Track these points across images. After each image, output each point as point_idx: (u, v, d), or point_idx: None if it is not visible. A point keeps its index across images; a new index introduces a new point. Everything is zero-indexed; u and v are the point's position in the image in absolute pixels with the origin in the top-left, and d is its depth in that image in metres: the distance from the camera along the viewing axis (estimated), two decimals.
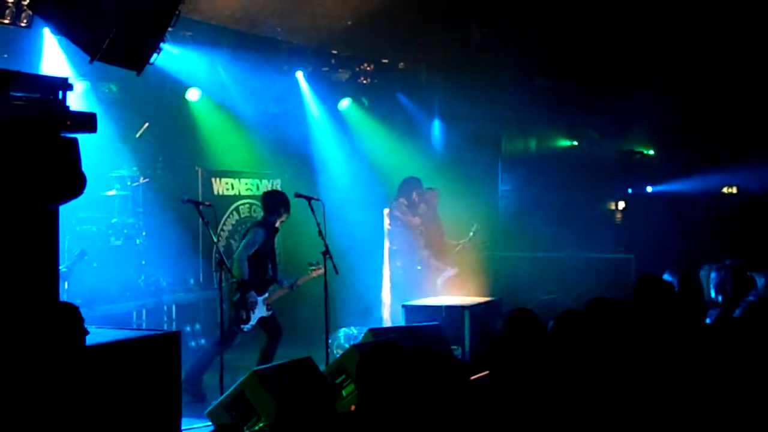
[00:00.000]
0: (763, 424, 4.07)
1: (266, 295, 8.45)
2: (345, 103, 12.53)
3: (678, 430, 4.03)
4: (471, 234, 10.84)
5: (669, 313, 5.18)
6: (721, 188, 14.24)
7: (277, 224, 8.55)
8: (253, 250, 8.30)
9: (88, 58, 5.73)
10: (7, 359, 4.36)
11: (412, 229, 10.32)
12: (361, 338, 8.37)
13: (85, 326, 4.86)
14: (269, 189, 11.26)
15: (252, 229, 8.49)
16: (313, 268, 8.52)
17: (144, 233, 9.92)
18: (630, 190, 13.44)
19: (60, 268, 5.98)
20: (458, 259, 10.75)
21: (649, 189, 13.59)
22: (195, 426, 6.84)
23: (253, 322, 8.32)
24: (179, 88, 10.54)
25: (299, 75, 11.78)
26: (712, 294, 6.26)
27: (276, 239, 8.86)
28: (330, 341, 8.43)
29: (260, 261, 8.38)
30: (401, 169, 11.79)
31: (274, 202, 8.59)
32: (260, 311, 8.37)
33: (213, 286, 10.15)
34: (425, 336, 8.01)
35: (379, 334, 7.99)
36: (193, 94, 10.67)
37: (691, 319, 5.30)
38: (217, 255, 8.19)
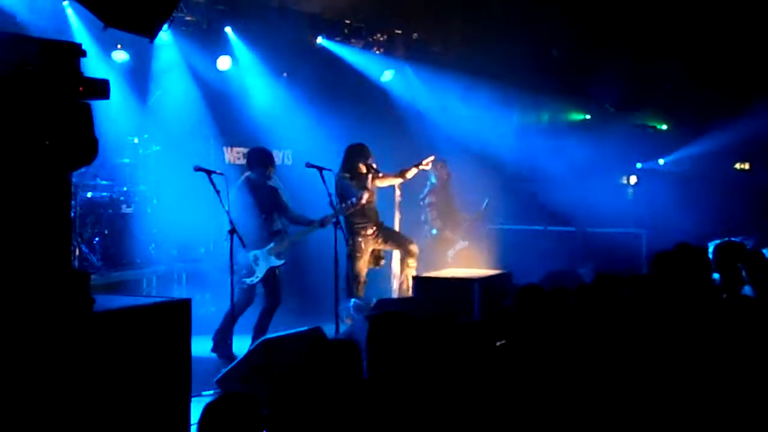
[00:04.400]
0: None
1: (271, 245, 8.49)
2: (388, 75, 12.32)
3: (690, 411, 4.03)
4: (483, 208, 10.83)
5: (685, 289, 5.15)
6: (734, 164, 14.17)
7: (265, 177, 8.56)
8: (242, 209, 8.33)
9: (102, 25, 5.70)
10: (15, 326, 4.39)
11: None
12: (369, 309, 8.41)
13: (93, 294, 4.89)
14: (280, 159, 11.31)
15: (238, 186, 8.51)
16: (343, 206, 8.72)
17: (155, 201, 9.93)
18: (642, 165, 13.38)
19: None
20: (469, 232, 10.75)
21: (662, 163, 13.52)
22: (207, 393, 6.88)
23: (259, 274, 8.37)
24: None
25: (316, 41, 11.60)
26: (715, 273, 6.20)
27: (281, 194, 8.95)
28: (339, 311, 8.46)
29: (258, 216, 8.44)
30: (413, 140, 11.75)
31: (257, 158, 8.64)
32: (266, 262, 8.43)
33: (224, 256, 10.20)
34: (432, 308, 8.03)
35: (388, 305, 8.00)
36: (224, 63, 10.62)
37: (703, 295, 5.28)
38: (228, 223, 8.20)
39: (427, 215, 10.66)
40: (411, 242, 9.63)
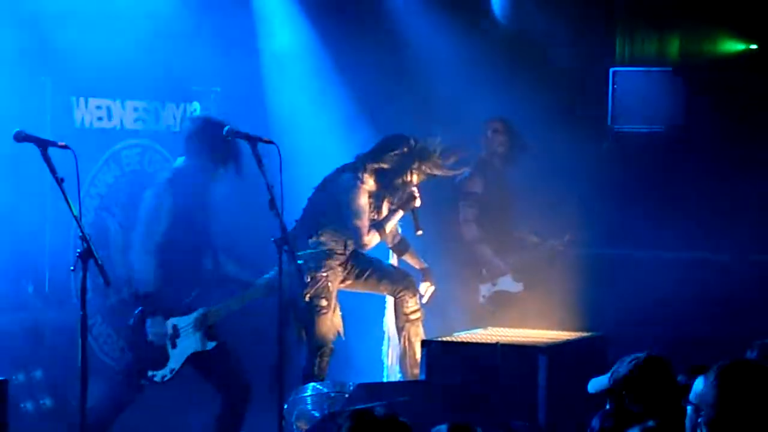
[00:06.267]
0: None
1: (198, 313, 8.56)
2: None
3: None
4: (564, 240, 11.01)
5: None
6: None
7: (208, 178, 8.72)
8: (161, 232, 8.38)
9: None
10: None
11: None
12: (341, 402, 8.48)
13: None
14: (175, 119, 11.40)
15: (158, 188, 8.51)
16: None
17: None
18: None
19: None
20: (526, 267, 10.91)
21: None
22: None
23: (174, 365, 8.42)
24: None
25: None
26: None
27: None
28: (287, 406, 8.54)
29: (182, 250, 8.52)
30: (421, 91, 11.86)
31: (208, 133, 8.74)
32: (189, 344, 8.50)
33: (71, 299, 10.20)
34: (459, 401, 8.09)
35: (374, 394, 8.13)
36: None
37: None
38: (79, 240, 8.24)
39: (464, 211, 10.85)
40: (405, 276, 9.80)
